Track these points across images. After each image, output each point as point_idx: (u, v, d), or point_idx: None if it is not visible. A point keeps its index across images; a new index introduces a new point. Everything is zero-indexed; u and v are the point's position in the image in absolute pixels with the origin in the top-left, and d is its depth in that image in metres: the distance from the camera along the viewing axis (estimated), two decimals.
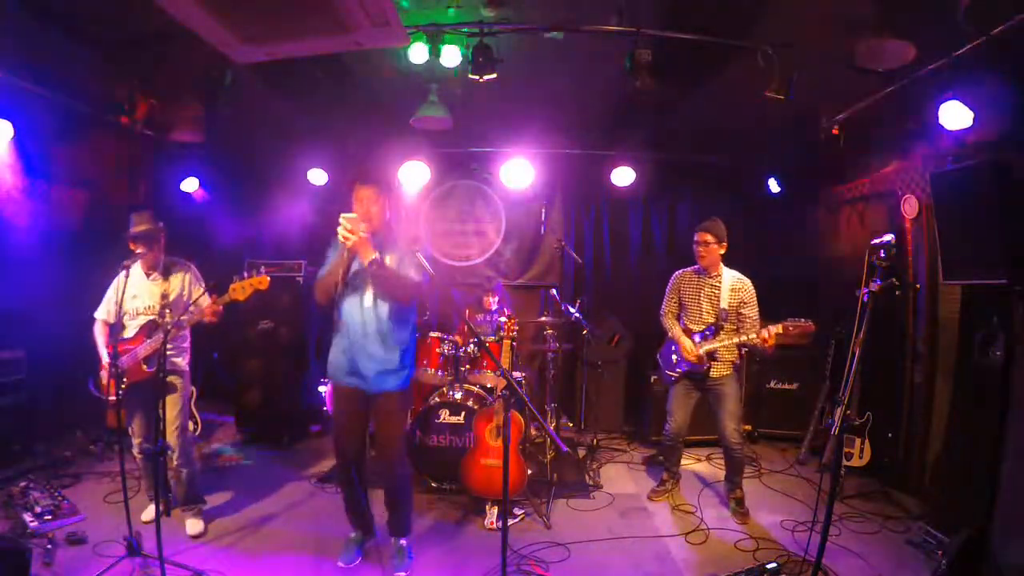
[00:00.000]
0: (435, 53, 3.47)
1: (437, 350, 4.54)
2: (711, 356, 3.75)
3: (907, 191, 4.14)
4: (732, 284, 3.77)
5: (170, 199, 5.46)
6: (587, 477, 4.46)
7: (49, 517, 3.35)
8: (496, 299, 5.12)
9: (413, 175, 5.58)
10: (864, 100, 3.99)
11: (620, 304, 6.17)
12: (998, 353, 3.17)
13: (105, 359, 3.27)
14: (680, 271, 4.01)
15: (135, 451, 3.39)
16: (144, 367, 3.21)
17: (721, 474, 4.17)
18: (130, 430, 3.33)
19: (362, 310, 2.87)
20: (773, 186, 5.39)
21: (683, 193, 6.21)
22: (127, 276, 3.08)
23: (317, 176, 5.74)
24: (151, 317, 3.28)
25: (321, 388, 5.57)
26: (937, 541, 3.24)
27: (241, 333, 5.23)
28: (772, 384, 5.37)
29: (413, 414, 4.19)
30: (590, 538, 3.49)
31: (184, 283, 3.38)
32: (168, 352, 3.03)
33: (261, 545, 3.33)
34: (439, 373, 4.50)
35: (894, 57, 3.08)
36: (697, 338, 3.80)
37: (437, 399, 4.15)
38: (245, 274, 3.23)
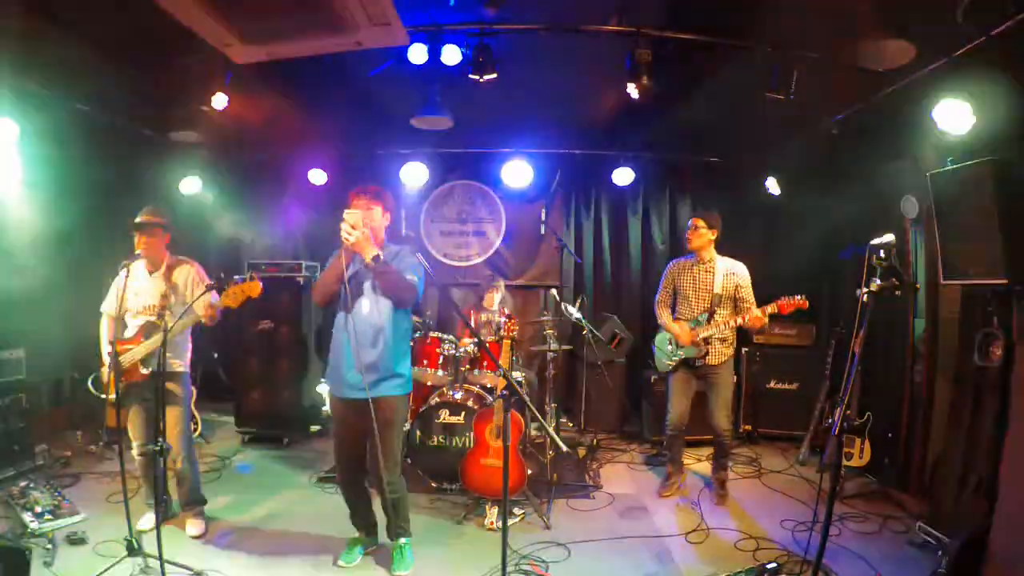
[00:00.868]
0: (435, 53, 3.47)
1: (437, 350, 4.54)
2: (707, 342, 3.84)
3: (907, 191, 4.14)
4: (726, 269, 3.87)
5: (170, 199, 5.45)
6: (587, 477, 4.46)
7: (49, 517, 3.35)
8: (499, 296, 5.12)
9: (413, 175, 5.58)
10: (864, 100, 3.99)
11: (620, 304, 6.18)
12: (998, 353, 3.17)
13: (106, 356, 3.25)
14: (674, 260, 4.14)
15: (134, 453, 3.37)
16: (141, 369, 3.20)
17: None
18: (129, 433, 3.32)
19: (358, 318, 2.89)
20: (773, 186, 5.39)
21: (683, 193, 6.21)
22: (127, 275, 3.07)
23: (317, 176, 5.74)
24: (150, 317, 3.27)
25: (321, 388, 5.57)
26: (937, 541, 3.24)
27: (241, 333, 5.23)
28: (772, 384, 5.37)
29: (413, 414, 4.19)
30: (590, 538, 3.49)
31: (187, 282, 3.35)
32: (167, 356, 3.01)
33: (261, 545, 3.33)
34: (439, 373, 4.50)
35: (894, 57, 3.08)
36: (689, 326, 3.90)
37: (437, 399, 4.15)
38: (242, 278, 3.22)
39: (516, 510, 3.74)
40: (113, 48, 3.43)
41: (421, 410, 4.15)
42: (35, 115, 3.86)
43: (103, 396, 3.23)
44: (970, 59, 3.03)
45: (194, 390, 4.92)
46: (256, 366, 5.21)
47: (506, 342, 3.90)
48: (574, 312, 4.93)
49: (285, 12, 2.31)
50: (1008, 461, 2.88)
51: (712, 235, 3.90)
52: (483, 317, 5.07)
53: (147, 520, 3.36)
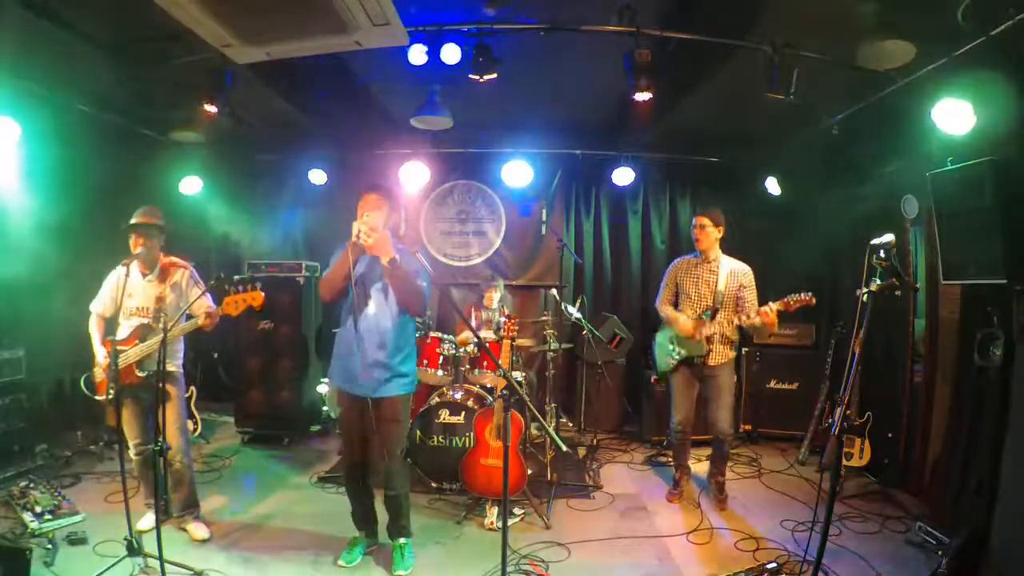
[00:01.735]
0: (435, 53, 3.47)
1: (437, 350, 4.54)
2: (709, 340, 3.78)
3: (907, 191, 4.14)
4: (731, 269, 3.83)
5: (170, 199, 5.45)
6: (587, 477, 4.46)
7: (49, 517, 3.35)
8: (498, 296, 5.12)
9: (413, 175, 5.58)
10: (864, 100, 3.99)
11: (620, 304, 6.18)
12: (998, 353, 3.17)
13: (99, 356, 3.25)
14: (678, 259, 4.08)
15: (131, 454, 3.35)
16: (137, 372, 3.19)
17: None
18: (126, 433, 3.31)
19: (365, 319, 2.90)
20: (773, 186, 5.39)
21: (683, 193, 6.21)
22: (127, 274, 3.06)
23: (317, 176, 5.74)
24: (145, 320, 3.25)
25: (321, 388, 5.58)
26: (937, 541, 3.24)
27: (241, 333, 5.23)
28: (772, 384, 5.37)
29: (413, 414, 4.19)
30: (590, 538, 3.49)
31: (181, 285, 3.34)
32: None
33: (261, 545, 3.33)
34: (439, 373, 4.51)
35: (894, 57, 3.08)
36: (693, 318, 3.85)
37: (437, 399, 4.15)
38: (242, 277, 3.22)
39: (516, 510, 3.74)
40: (113, 48, 3.43)
41: (421, 410, 4.14)
42: (36, 115, 3.86)
43: (97, 397, 3.23)
44: (970, 59, 3.03)
45: (194, 390, 4.94)
46: (256, 366, 5.21)
47: (506, 342, 3.90)
48: (574, 312, 4.93)
49: (285, 12, 2.31)
50: (1008, 461, 2.88)
51: (719, 233, 3.86)
52: (483, 317, 5.07)
53: (147, 520, 3.36)
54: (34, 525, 3.27)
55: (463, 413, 4.03)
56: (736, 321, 3.77)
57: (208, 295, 3.24)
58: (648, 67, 3.35)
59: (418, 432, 4.09)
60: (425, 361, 4.53)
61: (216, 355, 6.15)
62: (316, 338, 5.55)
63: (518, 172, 5.57)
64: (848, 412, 2.48)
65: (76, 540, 3.17)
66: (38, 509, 3.38)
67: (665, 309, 3.99)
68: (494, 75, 3.45)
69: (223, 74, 3.59)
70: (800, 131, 4.76)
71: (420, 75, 3.75)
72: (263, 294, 3.16)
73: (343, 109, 4.69)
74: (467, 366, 4.52)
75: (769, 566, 3.00)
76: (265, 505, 3.86)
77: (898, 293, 4.07)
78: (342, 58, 3.70)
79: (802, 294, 3.56)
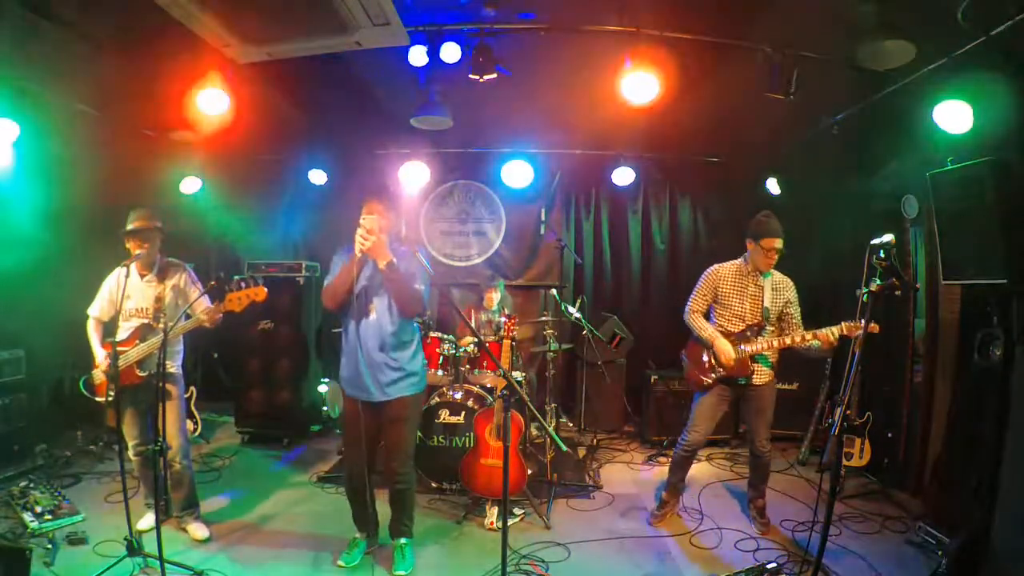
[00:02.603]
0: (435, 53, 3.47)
1: (437, 350, 4.54)
2: (753, 359, 3.43)
3: (907, 191, 4.14)
4: (775, 282, 3.52)
5: (170, 199, 5.45)
6: (587, 477, 4.46)
7: (49, 517, 3.35)
8: (498, 296, 5.12)
9: (413, 175, 5.58)
10: (864, 100, 3.99)
11: (620, 304, 6.18)
12: (998, 353, 3.17)
13: (99, 359, 3.25)
14: (718, 266, 3.61)
15: (131, 454, 3.35)
16: (137, 371, 3.19)
17: (722, 474, 4.16)
18: (125, 434, 3.31)
19: (366, 324, 2.92)
20: (773, 186, 5.39)
21: (683, 193, 6.21)
22: (127, 275, 3.06)
23: (317, 176, 5.74)
24: (144, 320, 3.25)
25: (321, 388, 5.57)
26: (937, 541, 3.23)
27: (241, 333, 5.23)
28: None
29: None
30: (590, 538, 3.49)
31: (180, 285, 3.35)
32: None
33: (261, 545, 3.33)
34: (439, 373, 4.51)
35: (894, 57, 3.08)
36: (733, 344, 3.43)
37: (437, 399, 4.15)
38: (242, 277, 3.22)
39: (516, 510, 3.74)
40: (113, 48, 3.43)
41: (421, 410, 4.14)
42: (35, 115, 3.86)
43: (96, 399, 3.23)
44: (970, 59, 3.03)
45: (193, 390, 4.94)
46: (256, 366, 5.21)
47: (506, 342, 3.90)
48: (574, 312, 4.93)
49: (285, 12, 2.31)
50: (1008, 461, 2.88)
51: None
52: (483, 317, 5.07)
53: (147, 520, 3.36)
54: (34, 525, 3.27)
55: (463, 413, 4.03)
56: (786, 342, 3.35)
57: (207, 296, 3.25)
58: (648, 67, 3.34)
59: (418, 432, 4.09)
60: (425, 361, 4.53)
61: (216, 355, 6.15)
62: (316, 338, 5.55)
63: (518, 172, 5.58)
64: (848, 412, 2.47)
65: (76, 540, 3.18)
66: (38, 509, 3.38)
67: (699, 321, 3.56)
68: (494, 75, 3.45)
69: (223, 74, 3.58)
70: (800, 131, 4.76)
71: (420, 75, 3.75)
72: (266, 289, 3.16)
73: (343, 109, 4.68)
74: (467, 366, 4.52)
75: (769, 566, 3.00)
76: (265, 505, 3.86)
77: (898, 293, 4.05)
78: (342, 58, 3.70)
79: (862, 320, 2.99)
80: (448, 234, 6.33)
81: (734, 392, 3.54)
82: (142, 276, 3.31)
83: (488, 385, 4.40)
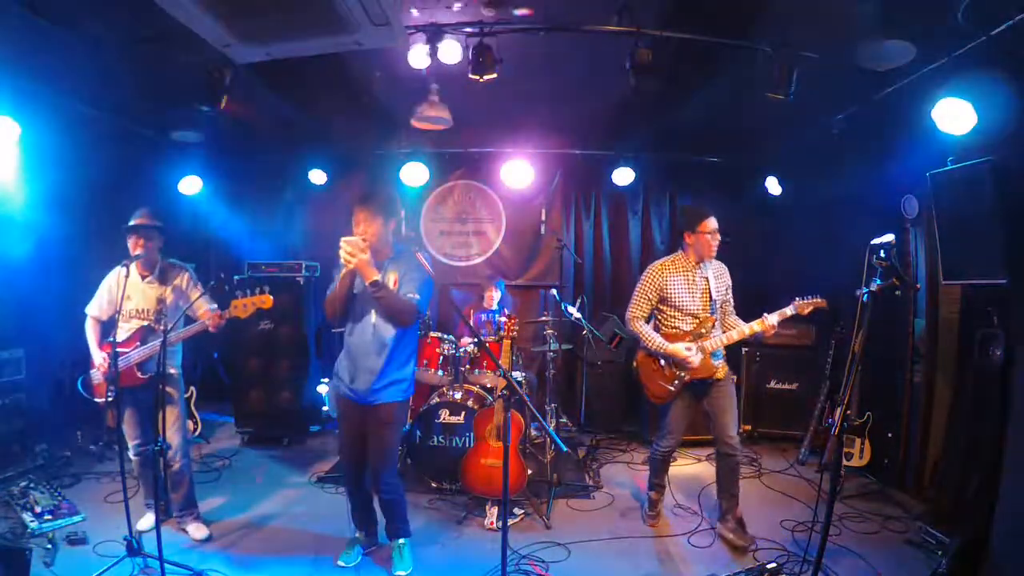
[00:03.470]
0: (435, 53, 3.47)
1: (437, 350, 4.54)
2: (714, 355, 3.33)
3: (907, 191, 4.14)
4: (716, 271, 3.40)
5: (170, 199, 5.46)
6: (587, 477, 4.46)
7: (49, 517, 3.35)
8: (498, 295, 5.12)
9: (413, 175, 5.59)
10: (864, 100, 3.99)
11: (620, 304, 6.16)
12: (998, 353, 3.17)
13: (98, 359, 3.25)
14: (659, 264, 3.41)
15: (131, 454, 3.35)
16: (138, 373, 3.19)
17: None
18: (125, 434, 3.31)
19: (365, 327, 2.93)
20: (773, 186, 5.39)
21: (683, 193, 6.21)
22: (127, 275, 3.05)
23: (317, 176, 5.74)
24: (145, 322, 3.25)
25: (321, 388, 5.57)
26: (937, 541, 3.24)
27: (241, 333, 5.23)
28: (772, 384, 5.37)
29: (413, 414, 4.19)
30: (590, 538, 3.49)
31: (182, 287, 3.35)
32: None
33: (261, 545, 3.33)
34: (439, 373, 4.51)
35: (894, 57, 3.08)
36: (682, 344, 3.30)
37: (437, 399, 4.15)
38: (242, 277, 3.22)
39: (516, 510, 3.74)
40: (113, 48, 3.43)
41: (421, 410, 4.14)
42: (36, 115, 3.86)
43: (95, 400, 3.23)
44: (970, 59, 3.03)
45: (193, 390, 4.95)
46: (256, 366, 5.21)
47: (506, 342, 3.90)
48: (574, 312, 4.93)
49: (285, 12, 2.31)
50: (1008, 461, 2.88)
51: None
52: (483, 317, 5.07)
53: (147, 520, 3.36)
54: (34, 525, 3.27)
55: (463, 413, 4.03)
56: (747, 332, 3.30)
57: (207, 296, 3.25)
58: (648, 67, 3.34)
59: (418, 432, 4.09)
60: (425, 361, 4.53)
61: (216, 355, 6.15)
62: (316, 338, 5.55)
63: (518, 172, 5.58)
64: (848, 412, 2.47)
65: (76, 540, 3.18)
66: (38, 509, 3.38)
67: (645, 329, 3.35)
68: (494, 75, 3.45)
69: (223, 74, 3.58)
70: (800, 131, 4.76)
71: (420, 75, 3.75)
72: (272, 298, 3.17)
73: (343, 109, 4.68)
74: (467, 366, 4.52)
75: (769, 566, 3.00)
76: (265, 505, 3.86)
77: (898, 293, 4.07)
78: (342, 58, 3.70)
79: (814, 297, 3.26)
80: (448, 234, 6.33)
81: (700, 392, 3.39)
82: (143, 277, 3.31)
83: (488, 385, 4.40)
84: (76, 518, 3.43)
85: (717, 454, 3.43)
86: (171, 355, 3.33)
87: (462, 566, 3.17)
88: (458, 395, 4.13)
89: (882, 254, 2.55)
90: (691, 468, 4.67)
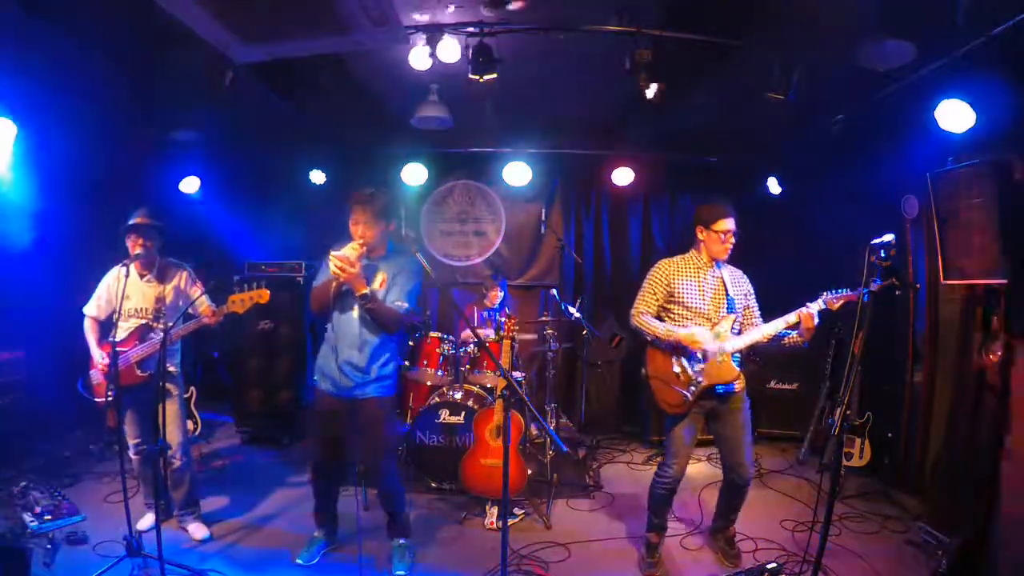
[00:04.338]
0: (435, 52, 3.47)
1: (437, 350, 4.54)
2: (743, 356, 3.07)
3: (907, 191, 4.14)
4: (731, 273, 3.21)
5: (170, 199, 5.45)
6: (587, 477, 4.46)
7: (49, 517, 3.35)
8: (501, 295, 5.12)
9: (413, 175, 5.59)
10: (864, 100, 3.99)
11: (620, 304, 6.16)
12: (998, 353, 3.17)
13: (97, 359, 3.25)
14: (668, 260, 3.22)
15: (131, 453, 3.36)
16: (138, 371, 3.19)
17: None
18: (125, 433, 3.31)
19: (350, 321, 2.93)
20: (773, 186, 5.38)
21: (683, 193, 6.20)
22: (127, 275, 3.05)
23: (317, 176, 5.74)
24: (144, 320, 3.25)
25: None
26: (937, 541, 3.24)
27: (241, 333, 5.23)
28: (772, 384, 5.37)
29: (413, 414, 4.19)
30: (590, 538, 3.49)
31: (180, 286, 3.35)
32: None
33: (261, 545, 3.33)
34: (439, 373, 4.50)
35: (894, 57, 3.08)
36: (698, 328, 3.01)
37: (437, 399, 4.15)
38: (241, 277, 3.23)
39: (516, 510, 3.74)
40: (113, 48, 3.43)
41: (421, 410, 4.14)
42: (35, 115, 3.86)
43: (95, 399, 3.23)
44: (970, 59, 3.03)
45: (193, 390, 4.94)
46: (256, 366, 5.21)
47: (506, 342, 3.90)
48: (574, 312, 4.93)
49: (285, 12, 2.31)
50: (1008, 461, 2.88)
51: None
52: (484, 315, 5.07)
53: (147, 520, 3.36)
54: (34, 525, 3.27)
55: (463, 413, 4.03)
56: (779, 328, 3.00)
57: (207, 296, 3.25)
58: (648, 67, 3.34)
59: (418, 432, 4.09)
60: (425, 361, 4.53)
61: (216, 355, 6.15)
62: (315, 338, 5.54)
63: (518, 172, 5.57)
64: (848, 412, 2.47)
65: (76, 540, 3.18)
66: (38, 509, 3.38)
67: (651, 321, 3.09)
68: (494, 75, 3.45)
69: (223, 74, 3.58)
70: (800, 131, 4.76)
71: (420, 75, 3.75)
72: (269, 292, 3.19)
73: (343, 109, 4.68)
74: (467, 366, 4.52)
75: (769, 566, 3.00)
76: (265, 505, 3.86)
77: (898, 293, 4.05)
78: (342, 58, 3.70)
79: (843, 291, 3.01)
80: (448, 234, 6.33)
81: (714, 406, 3.07)
82: (141, 276, 3.31)
83: (488, 385, 4.40)
84: (76, 518, 3.43)
85: (725, 480, 3.21)
86: (170, 353, 3.32)
87: (462, 566, 3.17)
88: (458, 395, 4.13)
89: (882, 254, 2.55)
90: (691, 468, 4.64)
